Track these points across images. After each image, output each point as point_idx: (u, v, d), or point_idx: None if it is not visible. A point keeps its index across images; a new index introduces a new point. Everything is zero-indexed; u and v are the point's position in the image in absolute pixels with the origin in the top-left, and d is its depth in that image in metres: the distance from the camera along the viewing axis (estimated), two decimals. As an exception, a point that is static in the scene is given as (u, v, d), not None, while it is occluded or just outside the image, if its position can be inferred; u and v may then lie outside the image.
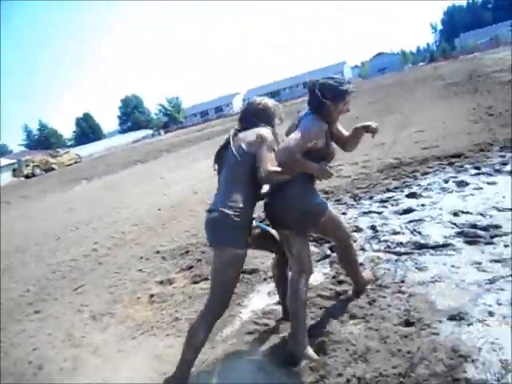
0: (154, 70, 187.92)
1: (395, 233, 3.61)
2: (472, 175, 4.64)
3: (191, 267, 4.28)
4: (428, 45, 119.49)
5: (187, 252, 4.79)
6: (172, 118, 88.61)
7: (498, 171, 4.54)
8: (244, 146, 2.37)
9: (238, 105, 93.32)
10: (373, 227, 3.88)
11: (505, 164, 4.72)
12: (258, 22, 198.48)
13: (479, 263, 2.76)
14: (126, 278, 4.51)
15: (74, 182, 20.43)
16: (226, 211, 2.28)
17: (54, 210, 11.75)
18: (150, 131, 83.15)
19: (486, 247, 2.95)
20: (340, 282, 3.02)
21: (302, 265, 2.43)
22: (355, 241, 3.65)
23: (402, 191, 4.70)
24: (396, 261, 3.08)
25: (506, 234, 3.06)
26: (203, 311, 2.38)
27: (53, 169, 37.52)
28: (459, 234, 3.25)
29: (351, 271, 2.75)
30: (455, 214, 3.66)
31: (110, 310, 3.79)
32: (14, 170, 38.15)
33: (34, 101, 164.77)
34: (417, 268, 2.89)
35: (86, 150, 57.41)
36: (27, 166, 36.89)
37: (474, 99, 10.83)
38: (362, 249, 3.46)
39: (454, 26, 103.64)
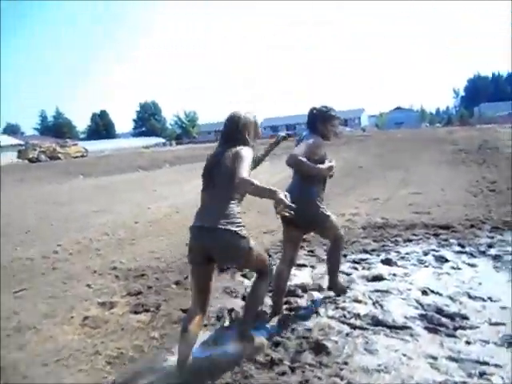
0: (179, 81, 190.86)
1: (356, 300, 3.31)
2: (454, 252, 4.37)
3: (139, 293, 3.98)
4: (448, 108, 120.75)
5: (142, 275, 4.50)
6: (186, 131, 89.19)
7: (483, 253, 4.27)
8: (228, 164, 2.51)
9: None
10: (335, 289, 3.59)
11: (491, 246, 4.45)
12: (279, 61, 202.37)
13: (434, 358, 2.45)
14: (70, 292, 4.21)
15: (72, 175, 20.32)
16: (229, 228, 2.45)
17: (39, 201, 11.52)
18: (162, 140, 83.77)
19: (446, 339, 2.65)
20: (277, 345, 2.71)
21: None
22: (313, 301, 3.37)
23: (378, 255, 4.42)
24: (347, 335, 2.77)
25: (471, 328, 2.76)
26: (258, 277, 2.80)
27: (59, 158, 37.57)
28: (422, 316, 2.95)
29: (333, 271, 3.37)
30: (424, 293, 3.37)
31: (38, 324, 3.48)
32: (19, 152, 38.23)
33: (56, 88, 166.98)
34: (366, 349, 2.58)
35: (95, 146, 57.64)
36: (33, 150, 37.00)
37: (480, 171, 10.66)
38: (317, 312, 3.15)
39: (475, 94, 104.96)
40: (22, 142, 45.49)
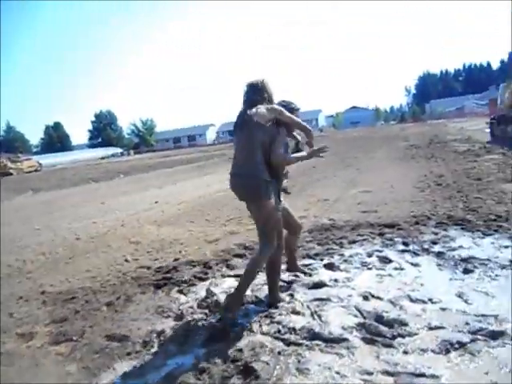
0: (133, 90, 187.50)
1: (294, 312, 3.10)
2: (398, 251, 4.24)
3: (64, 320, 3.62)
4: (401, 105, 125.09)
5: (72, 298, 4.12)
6: (143, 140, 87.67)
7: (426, 251, 4.16)
8: (256, 119, 3.06)
9: (211, 136, 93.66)
10: (273, 300, 3.37)
11: (435, 243, 4.36)
12: (242, 61, 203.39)
13: (370, 374, 2.26)
14: (-13, 323, 3.79)
15: (21, 191, 19.36)
16: (252, 173, 3.03)
17: (-22, 221, 10.79)
18: (119, 150, 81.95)
19: (383, 350, 2.47)
20: (201, 372, 2.44)
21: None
22: (248, 316, 3.14)
23: (321, 259, 4.24)
24: (279, 353, 2.54)
25: (409, 335, 2.60)
26: (257, 253, 3.21)
27: (10, 174, 36.00)
28: (360, 326, 2.76)
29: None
30: (365, 298, 3.20)
31: None
32: (-34, 169, 36.35)
33: (6, 99, 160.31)
34: (297, 369, 2.36)
35: (50, 160, 55.74)
36: (-18, 167, 35.29)
37: (428, 165, 10.82)
38: (250, 329, 2.91)
39: (426, 91, 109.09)
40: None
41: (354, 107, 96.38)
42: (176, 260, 4.94)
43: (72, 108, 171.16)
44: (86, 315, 3.65)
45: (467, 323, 2.64)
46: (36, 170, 39.35)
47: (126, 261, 5.28)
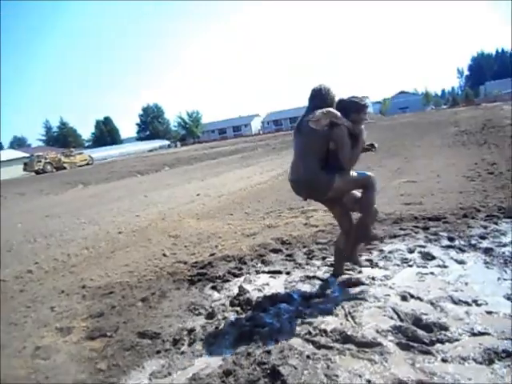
0: (179, 83, 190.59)
1: (328, 312, 2.97)
2: (442, 247, 3.98)
3: (101, 315, 3.68)
4: (453, 88, 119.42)
5: (110, 293, 4.19)
6: (190, 132, 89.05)
7: (473, 246, 3.88)
8: (311, 125, 3.22)
9: (256, 126, 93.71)
10: (306, 298, 3.25)
11: (484, 238, 4.06)
12: (284, 48, 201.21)
13: (403, 383, 2.11)
14: (30, 317, 3.93)
15: (72, 184, 20.20)
16: (309, 180, 3.27)
17: (32, 215, 11.35)
18: (166, 142, 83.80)
19: (419, 357, 2.30)
20: (227, 375, 2.38)
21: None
22: (279, 315, 3.04)
23: (360, 255, 4.05)
24: (308, 357, 2.43)
25: (449, 341, 2.41)
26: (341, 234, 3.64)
27: (64, 168, 37.70)
28: (396, 329, 2.59)
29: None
30: (404, 298, 3.02)
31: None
32: (25, 164, 38.32)
33: (59, 96, 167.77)
34: (326, 375, 2.24)
35: (101, 153, 57.89)
36: (39, 161, 37.12)
37: (481, 152, 10.22)
38: (280, 330, 2.81)
39: (480, 73, 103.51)
40: (27, 155, 45.56)
41: (402, 92, 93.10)
42: (212, 255, 4.92)
43: (121, 102, 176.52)
44: (121, 311, 3.70)
45: (515, 329, 2.41)
46: (88, 164, 40.92)
47: (164, 255, 5.32)
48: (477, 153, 10.11)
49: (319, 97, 3.35)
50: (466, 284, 3.13)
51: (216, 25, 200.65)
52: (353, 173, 3.36)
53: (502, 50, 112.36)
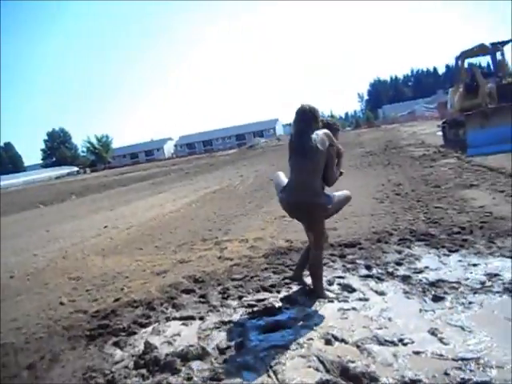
0: (86, 106, 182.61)
1: (246, 367, 2.62)
2: (361, 277, 3.85)
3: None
4: (355, 111, 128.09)
5: (-13, 361, 3.46)
6: (100, 157, 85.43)
7: (391, 275, 3.79)
8: (318, 145, 3.35)
9: (169, 150, 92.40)
10: (222, 351, 2.87)
11: (399, 264, 4.01)
12: (195, 72, 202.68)
13: None
14: None
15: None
16: (313, 199, 3.40)
17: None
18: (75, 168, 79.59)
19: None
20: None
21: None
22: (190, 378, 2.62)
23: (278, 291, 3.78)
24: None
25: (379, 397, 2.17)
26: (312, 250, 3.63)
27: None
28: (321, 385, 2.32)
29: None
30: (328, 342, 2.76)
31: None
32: None
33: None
34: None
35: (2, 182, 53.16)
36: None
37: (386, 173, 10.67)
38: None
39: (378, 97, 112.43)
40: None
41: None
42: (117, 300, 4.35)
43: (24, 128, 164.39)
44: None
45: (446, 373, 2.24)
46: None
47: (61, 303, 4.64)
48: (383, 173, 10.55)
49: (311, 117, 3.51)
50: (390, 319, 2.97)
51: (124, 42, 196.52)
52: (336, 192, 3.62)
53: (396, 76, 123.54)
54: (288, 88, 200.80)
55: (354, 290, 3.57)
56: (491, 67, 15.08)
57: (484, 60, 15.66)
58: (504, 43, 14.27)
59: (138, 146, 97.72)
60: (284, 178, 3.75)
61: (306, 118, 3.52)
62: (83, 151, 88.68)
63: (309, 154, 3.36)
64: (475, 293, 3.19)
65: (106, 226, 9.60)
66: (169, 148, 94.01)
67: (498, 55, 14.65)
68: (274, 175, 3.99)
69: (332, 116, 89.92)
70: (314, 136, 3.38)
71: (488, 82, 13.82)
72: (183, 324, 3.48)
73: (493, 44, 14.36)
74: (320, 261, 3.64)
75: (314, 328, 3.01)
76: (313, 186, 3.39)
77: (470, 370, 2.24)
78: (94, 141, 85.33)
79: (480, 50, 14.71)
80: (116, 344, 3.34)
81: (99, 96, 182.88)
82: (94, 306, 4.34)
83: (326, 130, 3.47)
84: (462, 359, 2.35)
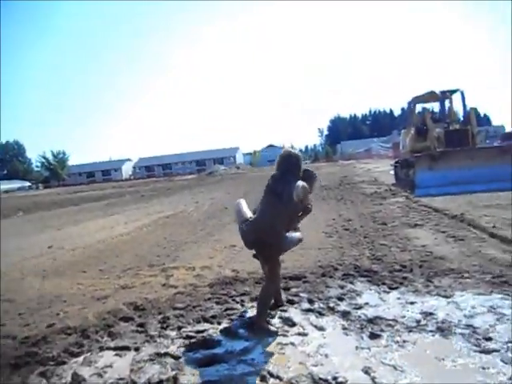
0: (43, 119, 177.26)
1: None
2: (302, 311, 3.85)
3: None
4: (315, 145, 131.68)
5: None
6: (54, 174, 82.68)
7: (332, 310, 3.83)
8: (295, 194, 3.45)
9: (127, 171, 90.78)
10: (152, 389, 2.77)
11: (341, 299, 4.06)
12: (158, 94, 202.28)
13: None
14: None
15: None
16: (274, 241, 3.54)
17: None
18: (27, 183, 76.55)
19: None
20: None
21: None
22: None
23: (219, 323, 3.73)
24: None
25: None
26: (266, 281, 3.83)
27: None
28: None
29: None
30: (263, 379, 2.74)
31: None
32: None
33: None
34: None
35: None
36: None
37: (338, 208, 10.90)
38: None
39: (337, 133, 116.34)
40: None
41: (270, 145, 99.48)
42: (50, 326, 4.13)
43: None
44: None
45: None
46: None
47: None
48: (335, 208, 10.78)
49: (291, 161, 3.70)
50: (326, 356, 2.98)
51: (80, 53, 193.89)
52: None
53: (355, 114, 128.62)
54: (250, 118, 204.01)
55: (294, 324, 3.57)
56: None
57: (437, 105, 16.60)
58: (452, 92, 15.22)
59: (95, 164, 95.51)
60: (246, 209, 3.85)
61: (290, 163, 3.69)
62: (37, 166, 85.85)
63: (284, 198, 3.49)
64: (410, 331, 3.28)
65: (50, 246, 9.20)
66: (127, 169, 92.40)
67: (447, 102, 15.59)
68: (236, 203, 4.01)
69: (292, 147, 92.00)
70: (294, 184, 3.49)
71: (437, 126, 14.62)
72: (117, 355, 3.35)
73: (442, 92, 15.29)
74: (270, 294, 3.72)
75: (250, 363, 2.98)
76: (276, 227, 3.49)
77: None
78: (50, 156, 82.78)
79: (430, 96, 15.63)
80: (42, 374, 3.16)
81: (57, 109, 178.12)
82: (24, 332, 4.10)
83: (305, 184, 3.54)
84: (391, 399, 2.38)
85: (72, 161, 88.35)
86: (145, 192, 27.75)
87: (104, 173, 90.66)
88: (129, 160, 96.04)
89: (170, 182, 41.12)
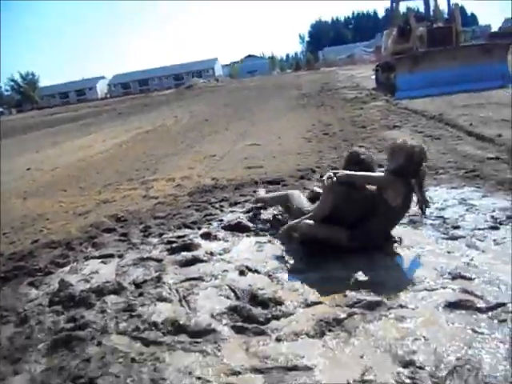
0: (8, 39, 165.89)
1: (161, 299, 2.67)
2: (280, 211, 3.98)
3: None
4: (296, 53, 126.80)
5: None
6: (26, 97, 79.15)
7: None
8: None
9: (102, 90, 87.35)
10: (138, 285, 2.90)
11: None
12: (132, 9, 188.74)
13: (237, 373, 1.92)
14: None
15: None
16: None
17: None
18: (-1, 108, 73.66)
19: (254, 340, 2.15)
20: None
21: None
22: (104, 311, 2.63)
23: (199, 228, 3.82)
24: (133, 360, 2.10)
25: (284, 316, 2.32)
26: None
27: None
28: (232, 310, 2.41)
29: None
30: (241, 273, 2.87)
31: None
32: None
33: None
34: (152, 381, 1.95)
35: None
36: None
37: (318, 114, 10.81)
38: (104, 329, 2.42)
39: (319, 39, 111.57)
40: None
41: (249, 56, 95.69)
42: (35, 242, 4.21)
43: None
44: None
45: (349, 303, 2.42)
46: None
47: None
48: (315, 115, 10.69)
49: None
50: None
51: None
52: None
53: (337, 18, 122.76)
54: (227, 27, 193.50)
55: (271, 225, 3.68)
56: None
57: (422, 4, 15.75)
58: (436, -13, 14.44)
59: (68, 84, 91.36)
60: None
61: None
62: (7, 90, 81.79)
63: None
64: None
65: (28, 169, 9.10)
66: (102, 87, 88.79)
67: (431, 0, 14.86)
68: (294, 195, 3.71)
69: (273, 57, 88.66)
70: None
71: (420, 25, 14.05)
72: (102, 262, 3.46)
73: (425, -13, 14.51)
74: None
75: (230, 261, 3.11)
76: None
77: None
78: (19, 78, 78.70)
79: (413, -7, 14.83)
80: (31, 284, 3.26)
81: (22, 29, 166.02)
82: (10, 249, 4.17)
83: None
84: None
85: (44, 82, 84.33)
86: (122, 110, 26.99)
87: (78, 93, 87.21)
88: (103, 78, 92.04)
89: (148, 98, 39.87)
